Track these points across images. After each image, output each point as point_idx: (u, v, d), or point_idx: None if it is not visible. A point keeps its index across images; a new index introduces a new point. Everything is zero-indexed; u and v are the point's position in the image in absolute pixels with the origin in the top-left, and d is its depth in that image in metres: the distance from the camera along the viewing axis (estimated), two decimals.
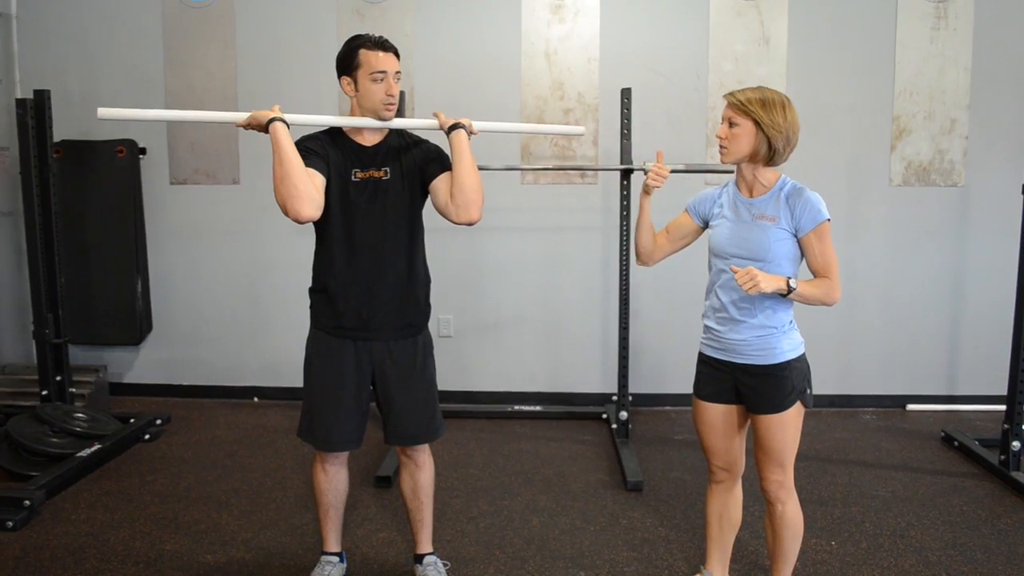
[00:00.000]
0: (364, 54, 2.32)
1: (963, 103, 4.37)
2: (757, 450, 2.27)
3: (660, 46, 4.44)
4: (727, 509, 2.44)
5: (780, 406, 2.20)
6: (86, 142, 4.57)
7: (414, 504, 2.63)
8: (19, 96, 4.46)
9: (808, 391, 2.24)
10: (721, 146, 2.21)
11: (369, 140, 2.41)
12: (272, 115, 2.27)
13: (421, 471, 2.60)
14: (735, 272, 2.08)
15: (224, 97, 4.57)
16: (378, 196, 2.38)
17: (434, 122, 2.44)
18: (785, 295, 2.11)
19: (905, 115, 4.40)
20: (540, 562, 2.86)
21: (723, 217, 2.28)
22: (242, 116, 2.32)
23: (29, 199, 3.92)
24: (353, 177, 2.37)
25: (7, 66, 4.63)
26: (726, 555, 2.50)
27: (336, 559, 2.67)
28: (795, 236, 2.17)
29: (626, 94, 3.85)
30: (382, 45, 2.34)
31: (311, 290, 2.50)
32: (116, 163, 4.56)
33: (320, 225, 2.39)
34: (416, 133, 2.52)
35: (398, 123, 2.43)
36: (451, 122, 2.38)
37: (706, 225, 2.35)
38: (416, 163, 2.41)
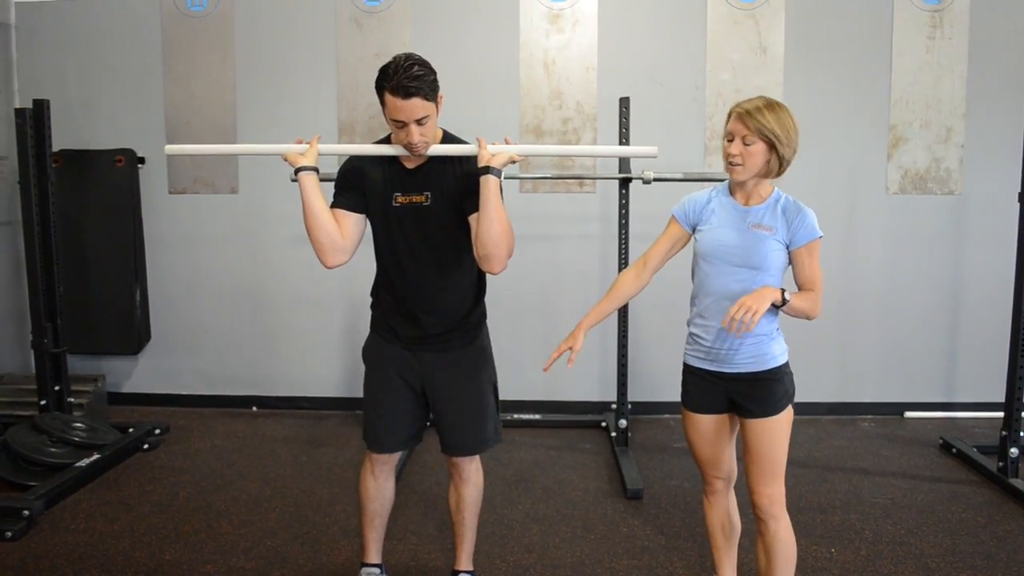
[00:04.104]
0: (386, 96, 2.16)
1: (959, 112, 4.40)
2: (748, 462, 2.24)
3: (658, 55, 4.47)
4: (728, 517, 2.44)
5: (774, 409, 2.19)
6: (85, 151, 4.58)
7: (457, 518, 2.61)
8: (18, 105, 4.46)
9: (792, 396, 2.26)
10: (734, 163, 2.15)
11: (412, 161, 2.33)
12: (301, 163, 2.29)
13: (466, 485, 2.57)
14: (726, 325, 2.07)
15: (223, 105, 4.59)
16: (418, 222, 2.32)
17: (475, 148, 2.28)
18: (780, 307, 2.11)
19: (901, 124, 4.43)
20: (541, 571, 2.86)
21: (715, 223, 2.24)
22: (290, 149, 2.34)
23: (28, 208, 3.92)
24: (394, 202, 2.32)
25: (6, 75, 4.64)
26: (734, 560, 2.49)
27: (377, 571, 2.64)
28: (787, 248, 2.18)
29: (624, 103, 3.86)
30: (402, 89, 2.12)
31: (371, 295, 2.53)
32: (115, 172, 4.57)
33: (374, 243, 2.40)
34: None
35: (435, 150, 2.29)
36: (485, 160, 2.22)
37: (694, 231, 2.31)
38: (458, 191, 2.30)
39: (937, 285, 4.58)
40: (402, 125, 2.18)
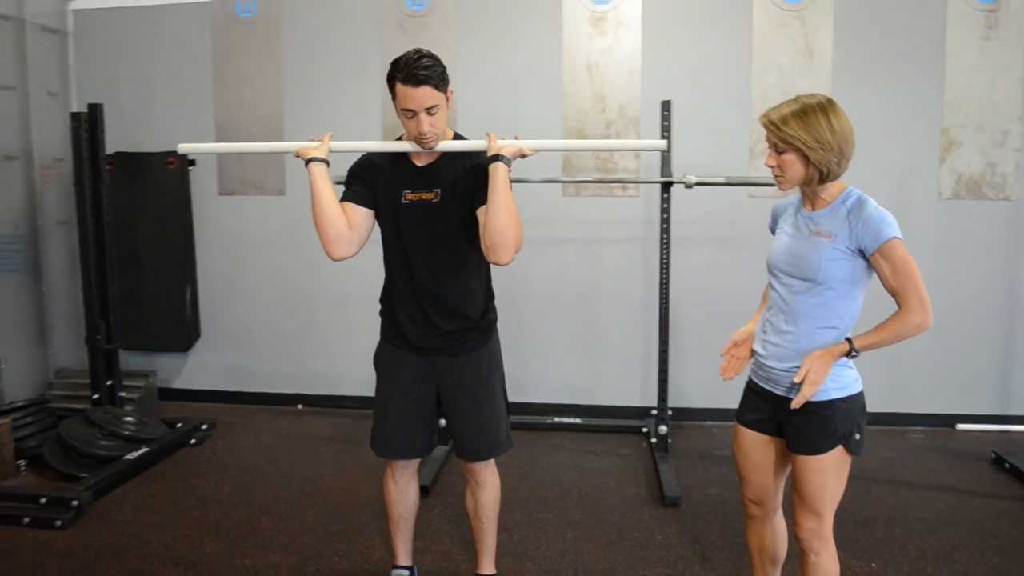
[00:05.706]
0: (397, 86, 2.19)
1: (1015, 114, 4.25)
2: (793, 492, 2.10)
3: (702, 58, 4.41)
4: (764, 543, 2.30)
5: (817, 448, 2.01)
6: (138, 154, 4.71)
7: (475, 523, 2.60)
8: (74, 110, 4.61)
9: (857, 437, 2.02)
10: (774, 175, 2.03)
11: (422, 159, 2.35)
12: (311, 154, 2.31)
13: (482, 490, 2.54)
14: (797, 381, 1.96)
15: (270, 110, 4.67)
16: (427, 219, 2.32)
17: (484, 143, 2.30)
18: (850, 355, 1.97)
19: (955, 127, 4.30)
20: None
21: (782, 231, 2.13)
22: (303, 146, 2.37)
23: (82, 209, 4.05)
24: (403, 200, 2.33)
25: (63, 81, 4.79)
26: None
27: (406, 572, 2.66)
28: (862, 256, 1.96)
29: (666, 106, 3.82)
30: (413, 78, 2.15)
31: (380, 302, 2.53)
32: (166, 174, 4.68)
33: (382, 245, 2.42)
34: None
35: (445, 146, 2.32)
36: (494, 150, 2.23)
37: None
38: (467, 186, 2.30)
39: (991, 293, 4.44)
40: (412, 115, 2.21)
